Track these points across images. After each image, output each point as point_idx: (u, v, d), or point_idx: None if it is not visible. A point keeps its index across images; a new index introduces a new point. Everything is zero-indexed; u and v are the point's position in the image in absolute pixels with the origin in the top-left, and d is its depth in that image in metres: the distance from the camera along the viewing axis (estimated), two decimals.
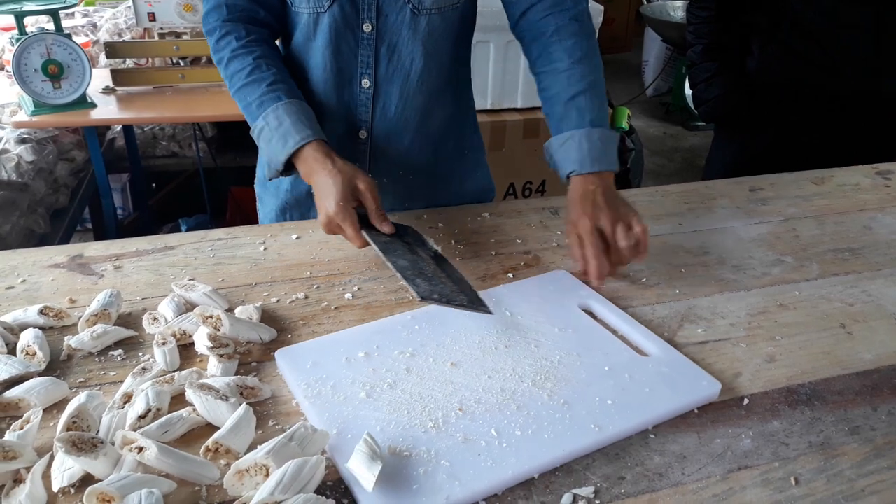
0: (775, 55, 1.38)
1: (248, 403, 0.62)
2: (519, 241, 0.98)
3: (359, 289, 0.84)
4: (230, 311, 0.76)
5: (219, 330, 0.69)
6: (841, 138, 1.43)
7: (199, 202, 2.32)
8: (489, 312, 0.77)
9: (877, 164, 1.30)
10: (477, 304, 0.76)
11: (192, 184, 2.44)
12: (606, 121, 0.93)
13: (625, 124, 2.95)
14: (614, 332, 0.80)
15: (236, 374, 0.69)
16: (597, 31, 2.02)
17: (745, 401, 0.72)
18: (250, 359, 0.71)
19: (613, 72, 4.51)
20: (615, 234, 0.85)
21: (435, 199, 1.09)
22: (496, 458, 0.60)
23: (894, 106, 1.46)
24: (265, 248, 0.92)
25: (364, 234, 0.81)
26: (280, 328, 0.76)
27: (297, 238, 0.95)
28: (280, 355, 0.71)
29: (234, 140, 2.21)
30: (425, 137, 1.05)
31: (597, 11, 2.03)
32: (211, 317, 0.70)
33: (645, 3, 4.23)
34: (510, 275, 0.90)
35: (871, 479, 0.63)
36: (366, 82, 0.98)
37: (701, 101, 1.45)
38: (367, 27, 0.94)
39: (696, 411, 0.69)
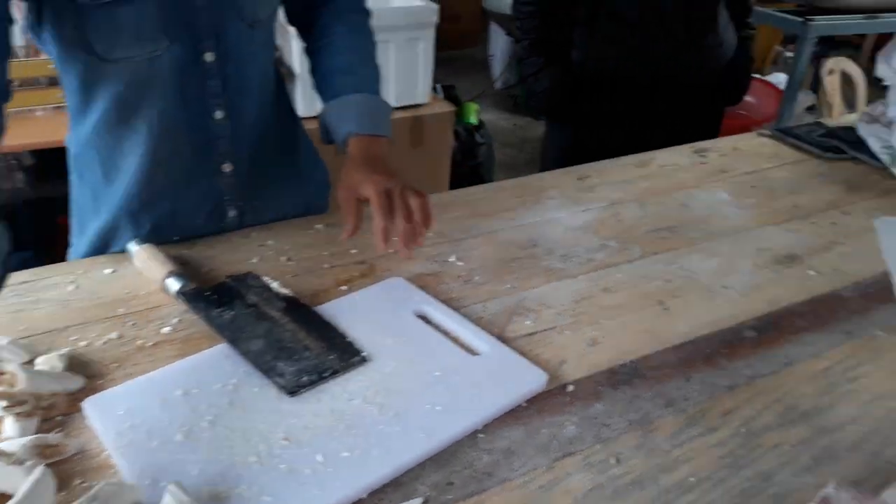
0: (596, 46, 1.45)
1: (49, 464, 0.57)
2: (354, 251, 0.97)
3: (179, 321, 0.80)
4: (30, 362, 0.71)
5: (14, 386, 0.64)
6: (665, 122, 1.52)
7: (24, 238, 2.15)
8: (364, 360, 0.74)
9: (694, 143, 1.39)
10: (348, 358, 0.73)
11: (16, 218, 2.25)
12: (382, 96, 0.98)
13: (473, 119, 3.00)
14: (448, 334, 0.80)
15: (38, 431, 0.64)
16: (433, 30, 2.03)
17: (570, 387, 0.74)
18: (55, 413, 0.66)
19: (461, 67, 4.59)
20: (406, 198, 0.84)
21: (283, 211, 1.06)
22: (322, 485, 0.59)
23: (708, 88, 1.57)
24: (76, 287, 0.86)
25: (202, 317, 0.78)
26: (90, 374, 0.71)
27: (113, 272, 0.89)
28: (89, 405, 0.66)
29: (55, 167, 2.05)
30: (282, 152, 1.04)
31: (431, 10, 2.05)
32: (3, 373, 0.64)
33: None
34: (344, 287, 0.89)
35: (684, 448, 0.67)
36: (219, 114, 0.92)
37: (531, 95, 1.50)
38: (209, 56, 0.87)
39: (524, 404, 0.71)
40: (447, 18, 5.15)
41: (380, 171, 0.87)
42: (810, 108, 3.64)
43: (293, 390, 0.69)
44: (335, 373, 0.71)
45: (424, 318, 0.82)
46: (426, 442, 0.64)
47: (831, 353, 0.82)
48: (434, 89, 2.89)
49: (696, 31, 1.44)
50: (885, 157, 1.29)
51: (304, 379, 0.70)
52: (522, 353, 0.77)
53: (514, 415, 0.70)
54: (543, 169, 1.51)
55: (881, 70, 1.38)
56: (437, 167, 2.28)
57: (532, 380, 0.73)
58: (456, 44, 5.00)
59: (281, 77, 1.06)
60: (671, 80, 1.48)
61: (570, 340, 0.81)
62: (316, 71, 1.02)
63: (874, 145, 1.32)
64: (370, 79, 0.99)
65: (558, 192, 1.16)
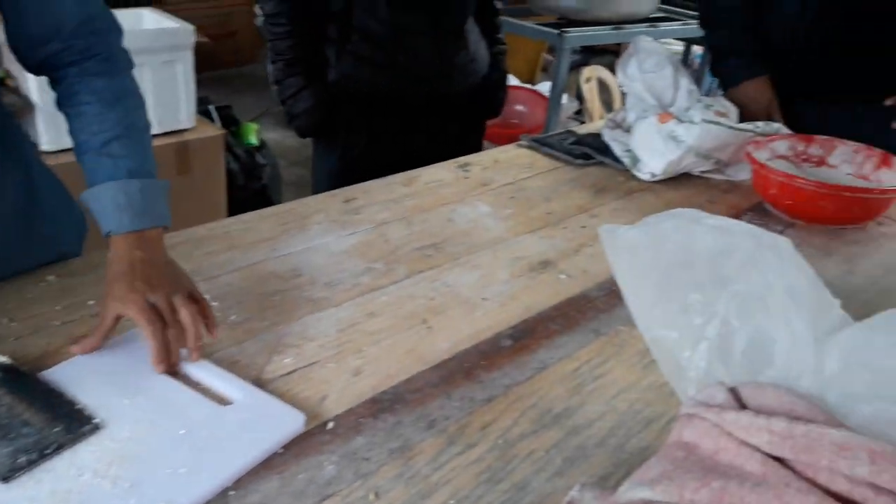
0: (350, 64, 1.45)
1: None
2: (91, 303, 0.87)
3: None
4: None
5: None
6: (428, 139, 1.56)
7: None
8: (96, 428, 0.66)
9: (458, 158, 1.43)
10: (77, 428, 0.65)
11: None
12: (152, 168, 0.85)
13: (254, 140, 2.91)
14: (198, 386, 0.74)
15: None
16: (190, 51, 1.93)
17: (330, 424, 0.72)
18: None
19: (241, 86, 4.45)
20: (177, 311, 0.75)
21: (11, 267, 0.92)
22: None
23: (466, 104, 1.63)
24: None
25: None
26: None
27: None
28: None
29: None
30: (5, 199, 0.90)
31: (186, 32, 1.95)
32: None
33: (258, 15, 4.22)
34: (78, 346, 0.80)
35: (445, 469, 0.67)
36: None
37: (292, 117, 1.47)
38: None
39: (280, 450, 0.68)
40: (221, 35, 4.99)
41: (142, 279, 0.76)
42: (578, 113, 3.94)
43: (6, 476, 0.60)
44: (60, 447, 0.63)
45: (171, 372, 0.76)
46: None
47: (581, 352, 0.87)
48: (206, 112, 2.76)
49: (446, 49, 1.49)
50: (626, 161, 1.41)
51: (22, 460, 0.61)
52: (281, 395, 0.74)
53: (268, 464, 0.66)
54: (315, 190, 1.48)
55: (619, 77, 1.50)
56: (211, 194, 2.18)
57: (288, 422, 0.69)
58: (231, 61, 4.84)
59: (7, 111, 0.94)
60: (427, 98, 1.51)
61: (332, 374, 0.79)
62: (72, 138, 0.86)
63: (617, 149, 1.44)
64: (132, 156, 0.83)
65: (324, 217, 1.14)
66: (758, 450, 0.55)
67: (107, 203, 0.80)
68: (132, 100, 0.87)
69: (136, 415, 0.68)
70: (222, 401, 0.72)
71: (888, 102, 1.49)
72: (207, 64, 4.69)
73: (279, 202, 2.90)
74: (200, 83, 2.22)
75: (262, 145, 3.02)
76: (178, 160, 2.03)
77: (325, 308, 0.91)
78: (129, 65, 0.89)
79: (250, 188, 2.89)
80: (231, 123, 2.99)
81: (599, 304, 0.97)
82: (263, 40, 1.48)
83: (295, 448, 0.68)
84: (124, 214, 0.79)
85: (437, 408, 0.75)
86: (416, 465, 0.67)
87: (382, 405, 0.75)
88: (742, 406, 0.60)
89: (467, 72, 1.54)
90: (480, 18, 1.59)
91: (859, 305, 0.98)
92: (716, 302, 0.70)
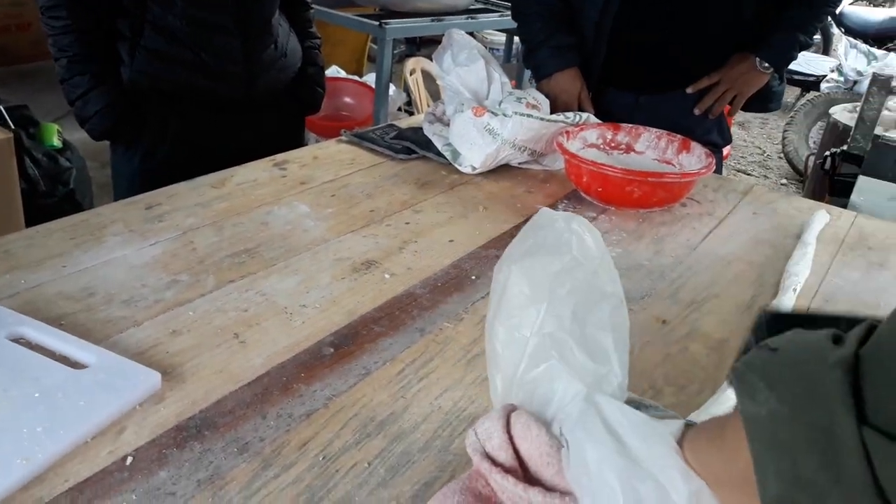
0: (145, 60, 1.33)
1: None
2: None
3: None
4: None
5: None
6: (239, 137, 1.47)
7: None
8: None
9: (274, 156, 1.37)
10: None
11: None
12: None
13: (55, 141, 2.66)
14: (52, 353, 0.74)
15: None
16: None
17: (129, 459, 0.65)
18: None
19: (40, 83, 4.03)
20: None
21: None
22: None
23: (281, 100, 1.56)
24: None
25: None
26: None
27: None
28: None
29: None
30: None
31: None
32: None
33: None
34: None
35: (259, 496, 0.63)
36: None
37: (84, 120, 1.34)
38: None
39: (70, 492, 0.60)
40: (13, 28, 4.51)
41: None
42: (408, 104, 3.94)
43: None
44: None
45: (21, 342, 0.75)
46: (27, 466, 0.61)
47: (405, 353, 0.84)
48: None
49: (252, 45, 1.41)
50: (447, 154, 1.41)
51: None
52: None
53: None
54: (116, 199, 1.36)
55: (435, 70, 1.50)
56: (3, 204, 1.95)
57: (144, 381, 0.72)
58: (28, 55, 4.39)
59: None
60: (236, 97, 1.43)
61: None
62: None
63: (438, 143, 1.43)
64: None
65: (122, 227, 1.04)
66: None
67: None
68: None
69: None
70: (76, 365, 0.73)
71: (689, 90, 1.60)
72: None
73: (91, 208, 2.66)
74: None
75: (67, 147, 2.76)
76: None
77: (123, 329, 0.82)
78: None
79: (55, 195, 2.63)
80: (28, 125, 2.71)
81: (424, 301, 0.95)
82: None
83: (88, 491, 0.60)
84: None
85: (250, 430, 0.70)
86: (227, 495, 0.62)
87: (188, 433, 0.69)
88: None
89: (278, 67, 1.48)
90: (290, 12, 1.52)
91: (667, 284, 1.05)
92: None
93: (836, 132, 3.41)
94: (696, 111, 1.62)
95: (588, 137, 1.40)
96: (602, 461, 0.48)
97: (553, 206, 1.29)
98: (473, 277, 1.01)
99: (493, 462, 0.55)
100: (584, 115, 1.43)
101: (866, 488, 0.33)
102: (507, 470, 0.54)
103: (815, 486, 0.35)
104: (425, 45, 5.91)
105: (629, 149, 1.43)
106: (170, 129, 1.40)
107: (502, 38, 4.22)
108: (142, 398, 0.70)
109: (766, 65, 1.56)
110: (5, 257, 0.93)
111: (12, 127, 2.44)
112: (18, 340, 0.76)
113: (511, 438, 0.55)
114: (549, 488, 0.52)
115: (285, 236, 1.08)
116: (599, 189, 1.25)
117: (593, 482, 0.48)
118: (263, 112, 1.49)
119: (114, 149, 1.44)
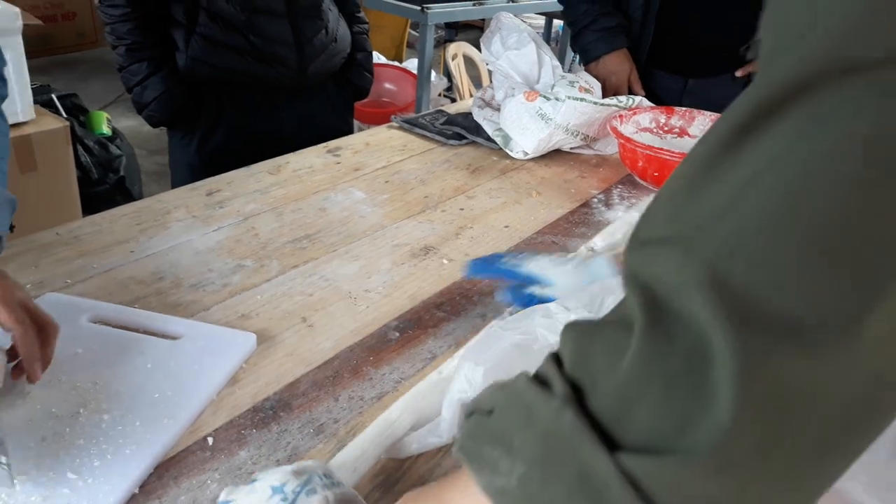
0: (200, 47, 1.35)
1: None
2: None
3: None
4: None
5: None
6: (293, 123, 1.49)
7: None
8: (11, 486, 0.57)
9: (327, 143, 1.38)
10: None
11: None
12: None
13: (105, 129, 2.71)
14: (137, 330, 0.78)
15: None
16: (19, 37, 1.74)
17: (210, 440, 0.66)
18: None
19: (87, 71, 4.11)
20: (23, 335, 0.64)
21: None
22: (89, 497, 0.57)
23: (332, 86, 1.57)
24: None
25: None
26: None
27: None
28: None
29: None
30: None
31: (12, 14, 1.74)
32: None
33: None
34: None
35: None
36: None
37: (142, 107, 1.36)
38: None
39: (158, 471, 0.62)
40: (57, 18, 4.60)
41: None
42: (449, 90, 3.93)
43: None
44: None
45: (104, 323, 0.79)
46: (175, 424, 0.65)
47: (469, 338, 0.85)
48: (48, 102, 2.54)
49: (303, 30, 1.42)
50: (498, 140, 1.40)
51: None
52: None
53: (146, 489, 0.60)
54: (175, 184, 1.38)
55: (484, 54, 1.49)
56: (62, 191, 1.99)
57: (242, 342, 0.77)
58: (74, 45, 4.47)
59: None
60: (288, 82, 1.44)
61: None
62: None
63: (488, 128, 1.43)
64: None
65: (185, 213, 1.06)
66: None
67: None
68: None
69: (91, 363, 0.71)
70: (170, 337, 0.77)
71: (738, 74, 1.57)
72: (44, 48, 4.32)
73: (140, 195, 2.71)
74: (38, 69, 2.02)
75: (116, 135, 2.81)
76: (20, 158, 1.84)
77: (194, 313, 0.84)
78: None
79: (106, 182, 2.69)
80: (78, 113, 2.76)
81: (484, 287, 0.96)
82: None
83: (173, 469, 0.62)
84: None
85: (324, 411, 0.71)
86: None
87: (265, 413, 0.70)
88: None
89: (328, 52, 1.48)
90: None
91: None
92: None
93: None
94: None
95: (641, 121, 1.39)
96: None
97: (607, 191, 1.28)
98: None
99: None
100: (637, 98, 1.41)
101: None
102: None
103: None
104: (464, 29, 5.88)
105: (683, 132, 1.41)
106: (224, 115, 1.42)
107: (541, 20, 4.17)
108: (245, 358, 0.76)
109: None
110: (75, 243, 0.95)
111: (64, 115, 2.49)
112: (99, 322, 0.78)
113: None
114: None
115: (343, 222, 1.09)
116: (656, 174, 1.24)
117: None
118: (314, 98, 1.50)
119: (171, 135, 1.47)
